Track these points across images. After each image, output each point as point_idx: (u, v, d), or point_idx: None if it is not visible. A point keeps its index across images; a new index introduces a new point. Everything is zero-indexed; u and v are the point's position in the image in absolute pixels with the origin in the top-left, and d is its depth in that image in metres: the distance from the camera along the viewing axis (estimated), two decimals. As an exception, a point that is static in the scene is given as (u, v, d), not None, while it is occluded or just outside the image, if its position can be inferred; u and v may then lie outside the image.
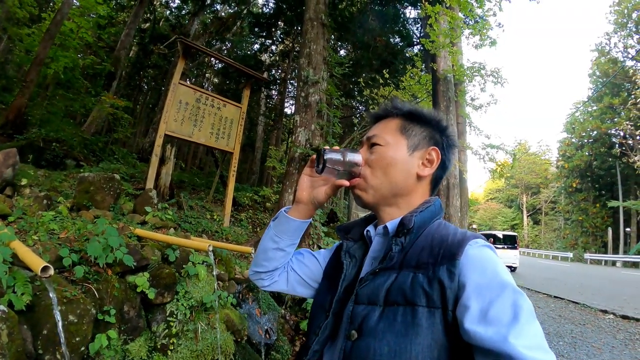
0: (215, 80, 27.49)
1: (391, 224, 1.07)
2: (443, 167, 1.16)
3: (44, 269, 2.13)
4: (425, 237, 1.00)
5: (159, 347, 3.55)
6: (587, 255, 35.40)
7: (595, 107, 41.61)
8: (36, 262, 2.22)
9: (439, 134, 1.16)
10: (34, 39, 13.39)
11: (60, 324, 2.23)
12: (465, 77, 12.80)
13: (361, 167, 1.11)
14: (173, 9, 23.74)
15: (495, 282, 0.84)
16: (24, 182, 4.70)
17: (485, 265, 0.88)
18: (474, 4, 11.08)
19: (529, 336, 0.74)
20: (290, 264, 1.36)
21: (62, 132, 10.32)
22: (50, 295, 2.21)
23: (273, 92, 25.10)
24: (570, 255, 37.86)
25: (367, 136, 1.17)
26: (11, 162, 4.41)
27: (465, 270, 0.87)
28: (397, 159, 1.09)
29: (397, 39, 15.50)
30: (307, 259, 1.37)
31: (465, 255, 0.90)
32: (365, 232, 1.17)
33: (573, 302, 11.00)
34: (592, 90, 42.45)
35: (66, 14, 11.00)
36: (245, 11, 20.34)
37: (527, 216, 62.03)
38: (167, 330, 3.64)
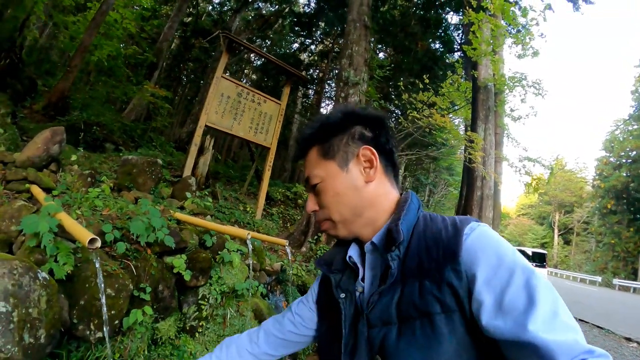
0: (254, 76, 27.78)
1: (377, 238, 1.01)
2: (383, 149, 1.07)
3: (92, 240, 2.14)
4: (417, 239, 0.95)
5: (187, 328, 3.59)
6: (615, 281, 34.15)
7: (636, 126, 40.09)
8: (83, 234, 2.23)
9: (358, 126, 1.08)
10: (79, 27, 13.73)
11: (103, 294, 2.25)
12: (505, 87, 12.62)
13: (319, 212, 1.09)
14: (215, 5, 24.12)
15: (502, 267, 0.81)
16: (73, 157, 4.82)
17: (487, 252, 0.84)
18: (518, 12, 10.91)
19: (548, 317, 0.73)
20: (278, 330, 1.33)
21: (103, 116, 10.58)
22: (96, 265, 2.22)
23: (310, 91, 25.14)
24: (599, 279, 36.58)
25: (304, 180, 1.13)
26: (58, 139, 4.52)
27: (470, 264, 0.84)
28: (339, 186, 1.03)
29: (438, 45, 15.36)
30: (296, 321, 1.31)
31: (465, 249, 0.86)
32: (348, 259, 1.10)
33: (597, 326, 10.64)
34: (634, 108, 41.02)
35: (111, 5, 11.26)
36: (287, 9, 20.48)
37: (558, 235, 60.33)
38: (197, 313, 3.68)
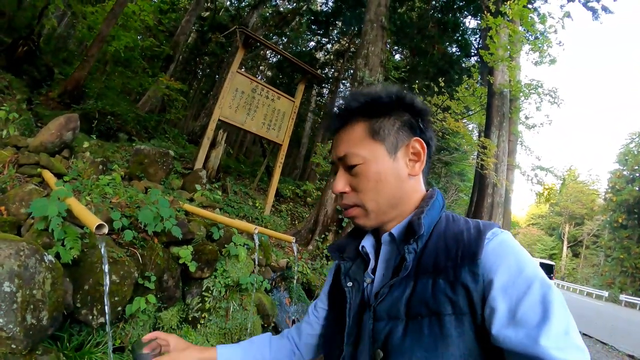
0: (269, 73, 27.87)
1: (396, 230, 0.97)
2: (428, 144, 1.00)
3: (99, 226, 2.17)
4: (437, 236, 0.92)
5: (190, 319, 3.62)
6: (622, 297, 33.77)
7: (651, 140, 39.76)
8: (91, 220, 2.26)
9: (409, 115, 1.00)
10: (97, 17, 13.85)
11: (107, 279, 2.27)
12: (521, 94, 12.49)
13: (349, 194, 0.99)
14: (233, 0, 24.19)
15: (521, 277, 0.77)
16: (85, 144, 4.88)
17: (508, 260, 0.80)
18: (536, 19, 10.80)
19: (561, 335, 0.70)
20: (297, 338, 1.29)
21: (118, 106, 10.65)
22: (102, 251, 2.25)
23: (324, 90, 25.09)
24: (606, 294, 36.10)
25: (337, 157, 1.01)
26: (72, 126, 4.60)
27: (488, 269, 0.80)
28: (383, 172, 0.95)
29: (455, 48, 15.27)
30: (312, 320, 1.27)
31: (485, 253, 0.82)
32: (360, 248, 1.06)
33: (601, 342, 10.48)
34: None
35: (130, -4, 11.40)
36: (304, 7, 20.49)
37: (567, 247, 59.45)
38: (200, 305, 3.70)
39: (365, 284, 1.00)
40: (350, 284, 1.02)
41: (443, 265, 0.85)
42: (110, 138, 9.05)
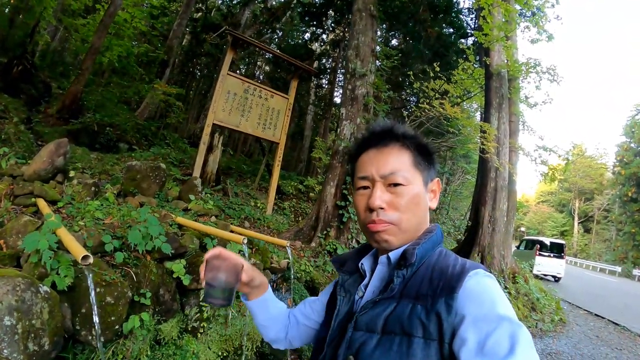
0: (267, 68, 27.76)
1: (394, 255, 1.05)
2: None
3: (84, 257, 2.33)
4: (426, 267, 1.00)
5: (189, 329, 3.74)
6: (635, 272, 33.25)
7: (658, 111, 38.93)
8: (78, 251, 2.41)
9: (434, 161, 1.15)
10: (89, 29, 13.96)
11: (95, 306, 2.40)
12: (520, 73, 12.32)
13: (387, 211, 1.04)
14: (224, -1, 24.15)
15: (493, 314, 0.83)
16: (72, 174, 4.97)
17: (483, 298, 0.87)
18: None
19: None
20: (295, 320, 1.40)
21: (116, 117, 10.77)
22: (88, 281, 2.40)
23: (323, 81, 24.95)
24: (619, 269, 35.67)
25: (380, 173, 1.06)
26: (62, 152, 4.71)
27: (463, 303, 0.86)
28: (420, 198, 1.07)
29: (450, 30, 15.09)
30: (310, 306, 1.39)
31: (463, 289, 0.89)
32: (360, 265, 1.16)
33: (613, 322, 10.41)
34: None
35: (119, 5, 11.46)
36: (295, 1, 20.36)
37: (578, 223, 58.46)
38: (199, 314, 3.81)
39: (357, 297, 1.10)
40: (343, 294, 1.14)
41: (424, 293, 0.92)
42: (111, 149, 9.16)
